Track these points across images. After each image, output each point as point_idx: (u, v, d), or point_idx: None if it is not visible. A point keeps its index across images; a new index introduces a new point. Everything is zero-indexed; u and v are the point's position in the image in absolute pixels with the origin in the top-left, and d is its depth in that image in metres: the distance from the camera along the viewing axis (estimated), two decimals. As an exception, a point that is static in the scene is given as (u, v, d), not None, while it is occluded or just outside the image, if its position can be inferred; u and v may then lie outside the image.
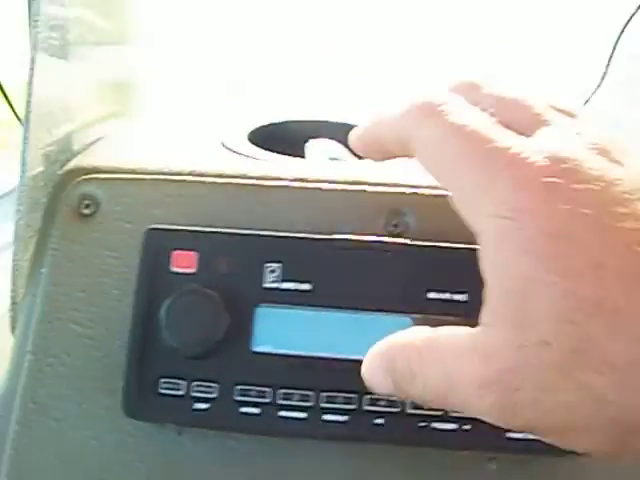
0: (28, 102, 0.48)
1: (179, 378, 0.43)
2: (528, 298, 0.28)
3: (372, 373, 0.33)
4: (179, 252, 0.45)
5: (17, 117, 1.08)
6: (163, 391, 0.43)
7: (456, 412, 0.35)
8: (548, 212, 0.27)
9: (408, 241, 0.45)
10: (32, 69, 0.48)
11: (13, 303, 0.52)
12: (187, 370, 0.43)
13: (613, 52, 0.67)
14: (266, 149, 0.56)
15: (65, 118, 0.59)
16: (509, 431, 0.42)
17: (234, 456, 0.46)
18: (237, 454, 0.46)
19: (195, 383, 0.43)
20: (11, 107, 1.11)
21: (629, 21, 0.65)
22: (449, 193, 0.32)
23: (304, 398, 0.42)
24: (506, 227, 0.28)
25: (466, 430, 0.42)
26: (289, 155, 0.56)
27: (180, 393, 0.43)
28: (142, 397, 0.43)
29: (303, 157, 0.59)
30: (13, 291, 0.51)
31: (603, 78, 0.69)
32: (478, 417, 0.30)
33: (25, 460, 0.47)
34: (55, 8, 0.54)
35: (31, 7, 0.49)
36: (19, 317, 0.51)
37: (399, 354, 0.32)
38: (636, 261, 0.26)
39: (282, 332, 0.44)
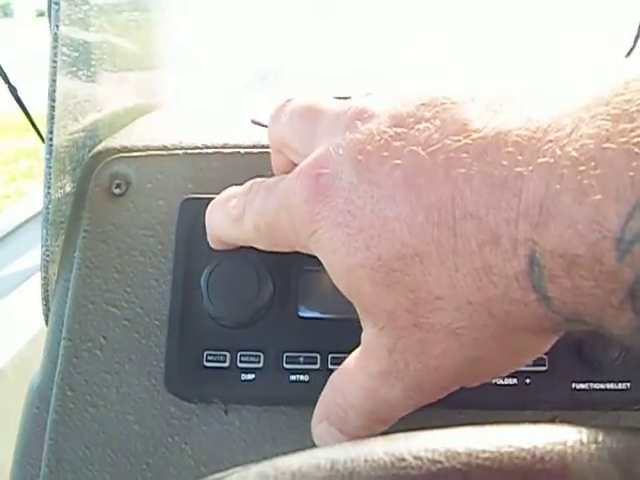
0: (52, 89, 0.48)
1: (223, 349, 0.42)
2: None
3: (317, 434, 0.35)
4: (216, 220, 0.44)
5: (41, 138, 1.10)
6: (207, 364, 0.42)
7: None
8: (323, 205, 0.30)
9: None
10: (55, 54, 0.48)
11: (45, 292, 0.51)
12: (231, 340, 0.42)
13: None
14: None
15: (93, 107, 0.59)
16: (575, 382, 0.40)
17: (284, 434, 0.44)
18: (287, 431, 0.44)
19: (241, 353, 0.42)
20: (36, 129, 1.13)
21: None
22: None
23: (356, 361, 0.41)
24: (315, 232, 0.31)
25: (528, 384, 0.40)
26: None
27: (225, 365, 0.42)
28: (185, 372, 0.42)
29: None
30: (44, 279, 0.51)
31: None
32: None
33: (64, 449, 0.46)
34: (78, 31, 0.55)
35: (52, 30, 0.50)
36: (51, 304, 0.50)
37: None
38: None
39: (328, 296, 0.42)
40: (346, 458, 0.18)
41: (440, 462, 0.17)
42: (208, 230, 0.41)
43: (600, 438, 0.18)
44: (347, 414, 0.33)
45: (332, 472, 0.18)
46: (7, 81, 1.09)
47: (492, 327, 0.27)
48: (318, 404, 0.35)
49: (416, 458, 0.18)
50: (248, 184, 0.38)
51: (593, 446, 0.17)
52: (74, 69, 0.56)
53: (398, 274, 0.27)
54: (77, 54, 0.56)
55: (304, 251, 0.34)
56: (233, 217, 0.37)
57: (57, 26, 0.51)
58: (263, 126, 0.55)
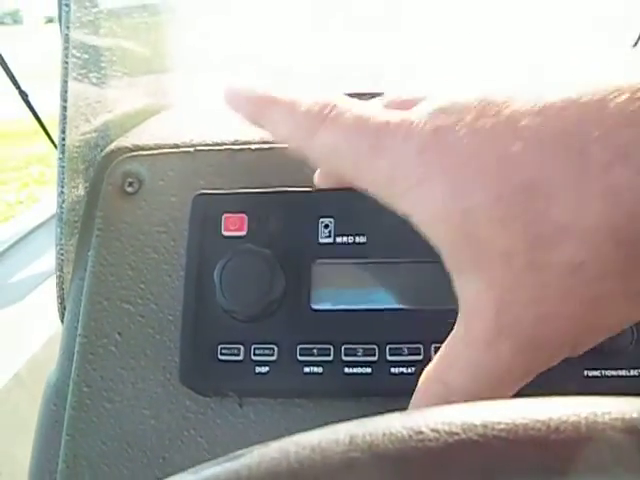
0: (64, 82, 0.49)
1: (238, 343, 0.43)
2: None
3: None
4: (229, 215, 0.45)
5: (53, 143, 1.11)
6: (222, 357, 0.43)
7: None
8: (446, 147, 0.28)
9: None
10: (66, 55, 0.49)
11: (60, 290, 0.52)
12: (245, 334, 0.43)
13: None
14: None
15: (104, 108, 0.60)
16: (587, 369, 0.41)
17: (298, 425, 0.45)
18: (301, 423, 0.45)
19: (255, 346, 0.43)
20: (47, 134, 1.14)
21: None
22: (364, 188, 0.33)
23: (368, 352, 0.42)
24: (423, 180, 0.29)
25: (541, 372, 0.40)
26: None
27: (239, 358, 0.43)
28: (200, 366, 0.43)
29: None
30: (59, 277, 0.52)
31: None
32: None
33: (81, 445, 0.46)
34: (88, 34, 0.56)
35: (62, 32, 0.50)
36: (67, 302, 0.51)
37: None
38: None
39: (340, 287, 0.43)
40: (364, 432, 0.19)
41: (457, 434, 0.18)
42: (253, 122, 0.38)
43: (614, 408, 0.18)
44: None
45: (351, 446, 0.18)
46: (18, 87, 1.11)
47: (618, 259, 0.26)
48: (411, 406, 0.33)
49: (433, 430, 0.18)
50: (322, 101, 0.33)
51: (607, 416, 0.18)
52: (85, 71, 0.57)
53: (519, 208, 0.27)
54: (87, 56, 0.57)
55: (378, 196, 0.33)
56: (302, 126, 0.33)
57: (67, 28, 0.51)
58: None
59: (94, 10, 0.58)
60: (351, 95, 0.35)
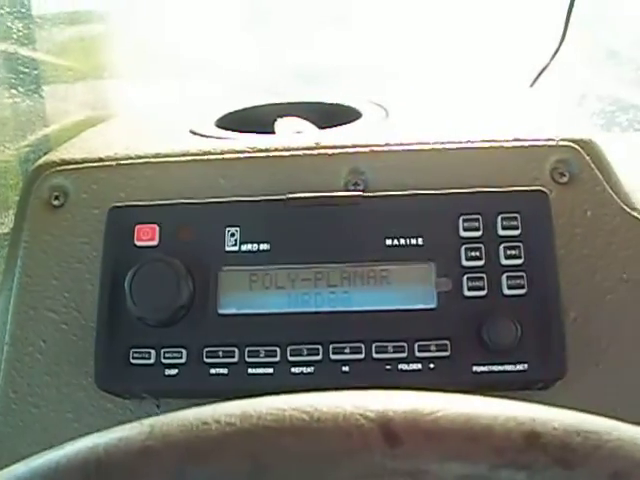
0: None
1: (148, 347, 0.46)
2: None
3: None
4: (141, 226, 0.48)
5: None
6: (134, 361, 0.46)
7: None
8: None
9: (360, 193, 0.47)
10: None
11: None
12: (155, 338, 0.46)
13: (569, 15, 0.70)
14: (238, 131, 0.59)
15: (41, 123, 0.63)
16: (475, 365, 0.44)
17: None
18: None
19: (164, 350, 0.45)
20: None
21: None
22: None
23: (270, 354, 0.44)
24: None
25: (432, 369, 0.43)
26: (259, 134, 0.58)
27: (150, 362, 0.45)
28: (113, 369, 0.46)
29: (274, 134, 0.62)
30: (-10, 289, 0.54)
31: (561, 42, 0.71)
32: None
33: (8, 448, 0.49)
34: (21, 48, 0.59)
35: None
36: (-3, 313, 0.53)
37: None
38: None
39: (245, 293, 0.46)
40: (163, 422, 0.22)
41: (234, 424, 0.21)
42: None
43: (372, 402, 0.21)
44: None
45: (149, 435, 0.21)
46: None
47: None
48: None
49: (216, 421, 0.21)
50: None
51: (362, 409, 0.21)
52: (18, 85, 0.59)
53: None
54: (23, 70, 0.59)
55: None
56: None
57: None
58: (202, 136, 0.58)
59: (26, 21, 0.61)
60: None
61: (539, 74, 0.75)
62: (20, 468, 0.23)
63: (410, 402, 0.21)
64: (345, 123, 0.59)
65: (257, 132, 0.58)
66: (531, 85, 0.77)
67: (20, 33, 0.62)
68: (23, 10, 0.63)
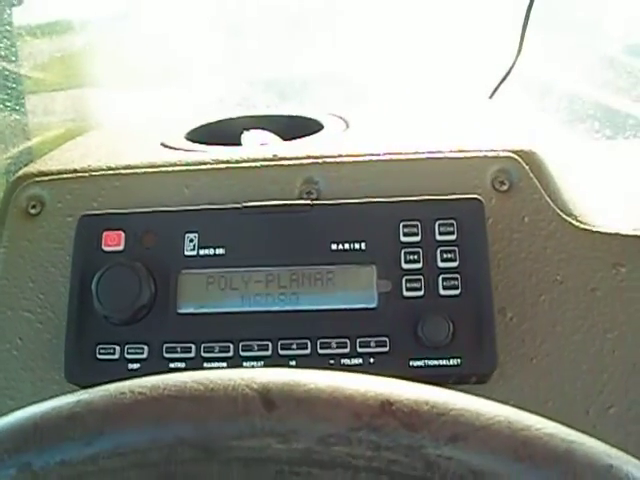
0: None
1: (113, 343, 0.51)
2: None
3: None
4: (108, 232, 0.53)
5: None
6: (100, 356, 0.51)
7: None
8: None
9: (309, 202, 0.52)
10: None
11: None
12: (120, 335, 0.51)
13: (526, 22, 0.75)
14: (206, 144, 0.64)
15: (23, 136, 0.68)
16: (412, 360, 0.48)
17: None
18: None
19: (128, 346, 0.51)
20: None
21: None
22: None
23: (224, 349, 0.50)
24: None
25: (371, 363, 0.48)
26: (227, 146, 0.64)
27: (115, 357, 0.51)
28: (81, 363, 0.51)
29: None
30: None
31: (518, 55, 0.76)
32: None
33: (-12, 438, 0.54)
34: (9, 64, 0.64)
35: None
36: (-21, 313, 0.59)
37: None
38: None
39: (202, 293, 0.51)
40: (89, 393, 0.27)
41: (144, 394, 0.26)
42: None
43: (258, 376, 0.26)
44: None
45: (77, 403, 0.27)
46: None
47: None
48: None
49: (130, 391, 0.26)
50: None
51: (247, 380, 0.26)
52: (4, 100, 0.65)
53: None
54: (7, 84, 0.65)
55: None
56: None
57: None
58: (171, 149, 0.64)
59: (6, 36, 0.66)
60: None
61: (498, 85, 0.80)
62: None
63: (289, 377, 0.26)
64: (307, 134, 0.64)
65: (225, 144, 0.64)
66: (490, 96, 0.82)
67: (3, 47, 0.67)
68: (7, 27, 0.68)
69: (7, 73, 0.65)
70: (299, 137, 0.64)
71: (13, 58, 0.68)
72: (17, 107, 0.69)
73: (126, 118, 0.86)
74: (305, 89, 1.05)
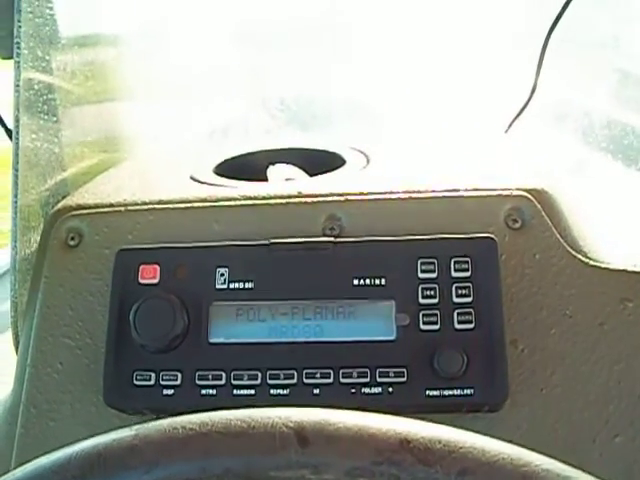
0: (16, 155, 0.62)
1: (149, 370, 0.55)
2: None
3: None
4: (144, 266, 0.58)
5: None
6: (137, 382, 0.55)
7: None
8: None
9: (332, 239, 0.57)
10: (16, 127, 0.62)
11: (15, 328, 0.65)
12: (155, 363, 0.56)
13: (542, 58, 0.79)
14: (234, 178, 0.69)
15: (58, 168, 0.73)
16: (428, 389, 0.53)
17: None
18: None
19: (163, 373, 0.55)
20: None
21: (553, 27, 0.76)
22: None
23: (252, 377, 0.54)
24: None
25: (390, 392, 0.53)
26: (254, 181, 0.68)
27: (151, 383, 0.55)
28: (119, 388, 0.56)
29: (266, 181, 0.72)
30: (13, 317, 0.65)
31: (533, 90, 0.81)
32: None
33: (29, 457, 0.59)
34: (39, 74, 0.69)
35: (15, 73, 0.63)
36: (20, 339, 0.64)
37: None
38: None
39: (232, 324, 0.56)
40: (145, 427, 0.31)
41: (194, 429, 0.30)
42: None
43: (287, 415, 0.31)
44: None
45: (136, 436, 0.31)
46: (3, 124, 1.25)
47: None
48: None
49: (182, 427, 0.31)
50: None
51: (278, 419, 0.30)
52: (38, 111, 0.69)
53: None
54: (40, 95, 0.69)
55: None
56: None
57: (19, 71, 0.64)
58: (201, 183, 0.69)
59: (46, 47, 0.70)
60: None
61: (513, 120, 0.84)
62: (43, 460, 0.32)
63: (321, 416, 0.31)
64: (330, 170, 0.69)
65: (251, 179, 0.68)
66: (506, 131, 0.87)
67: (41, 64, 0.72)
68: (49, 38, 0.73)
69: (43, 84, 0.69)
70: (322, 172, 0.69)
71: (49, 69, 0.72)
72: (54, 118, 0.73)
73: (154, 132, 0.91)
74: (326, 116, 1.10)
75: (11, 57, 0.64)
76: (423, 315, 0.55)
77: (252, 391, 0.54)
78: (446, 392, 0.53)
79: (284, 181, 0.70)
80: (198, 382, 0.55)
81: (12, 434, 0.61)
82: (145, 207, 0.64)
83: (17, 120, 0.64)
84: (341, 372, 0.54)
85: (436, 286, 0.55)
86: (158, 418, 0.59)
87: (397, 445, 0.29)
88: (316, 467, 0.29)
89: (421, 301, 0.55)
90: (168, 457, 0.30)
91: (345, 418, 0.31)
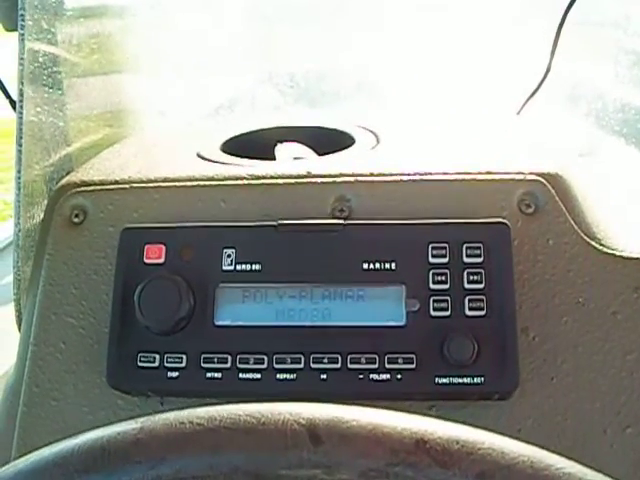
0: (19, 129, 0.61)
1: (154, 352, 0.54)
2: None
3: None
4: (149, 246, 0.56)
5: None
6: (141, 364, 0.54)
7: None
8: None
9: (341, 221, 0.55)
10: (20, 100, 0.60)
11: (17, 305, 0.64)
12: (160, 345, 0.54)
13: (556, 40, 0.77)
14: (241, 156, 0.67)
15: (63, 143, 0.71)
16: (437, 377, 0.51)
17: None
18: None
19: (167, 355, 0.54)
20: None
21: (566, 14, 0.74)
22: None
23: (258, 361, 0.53)
24: None
25: (399, 379, 0.51)
26: (261, 159, 0.67)
27: (155, 365, 0.54)
28: (123, 370, 0.54)
29: (274, 159, 0.70)
30: (16, 294, 0.63)
31: (547, 71, 0.78)
32: None
33: (31, 436, 0.58)
34: (44, 45, 0.67)
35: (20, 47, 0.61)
36: (23, 316, 0.63)
37: None
38: None
39: (239, 307, 0.54)
40: (150, 421, 0.30)
41: (202, 424, 0.29)
42: None
43: (301, 411, 0.29)
44: None
45: (141, 430, 0.30)
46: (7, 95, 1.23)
47: None
48: None
49: (189, 422, 0.29)
50: None
51: (294, 415, 0.29)
52: (42, 84, 0.67)
53: None
54: (45, 68, 0.67)
55: None
56: None
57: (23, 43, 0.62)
58: (208, 161, 0.67)
59: (50, 17, 0.68)
60: None
61: (525, 102, 0.82)
62: (45, 452, 0.31)
63: (333, 413, 0.29)
64: (339, 149, 0.67)
65: (259, 157, 0.67)
66: (518, 112, 0.85)
67: (45, 35, 0.69)
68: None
69: (48, 56, 0.67)
70: (331, 151, 0.67)
71: (54, 41, 0.70)
72: (59, 91, 0.71)
73: (160, 106, 0.89)
74: (335, 93, 1.08)
75: (15, 29, 0.62)
76: (433, 301, 0.53)
77: (258, 375, 0.53)
78: (456, 380, 0.52)
79: (292, 160, 0.68)
80: (203, 365, 0.54)
81: (14, 412, 0.60)
82: (151, 185, 0.62)
83: (21, 93, 0.62)
84: (349, 357, 0.52)
85: (447, 271, 0.54)
86: (162, 402, 0.58)
87: (413, 446, 0.28)
88: (329, 467, 0.28)
89: (432, 286, 0.54)
90: (174, 453, 0.29)
91: (358, 415, 0.29)
